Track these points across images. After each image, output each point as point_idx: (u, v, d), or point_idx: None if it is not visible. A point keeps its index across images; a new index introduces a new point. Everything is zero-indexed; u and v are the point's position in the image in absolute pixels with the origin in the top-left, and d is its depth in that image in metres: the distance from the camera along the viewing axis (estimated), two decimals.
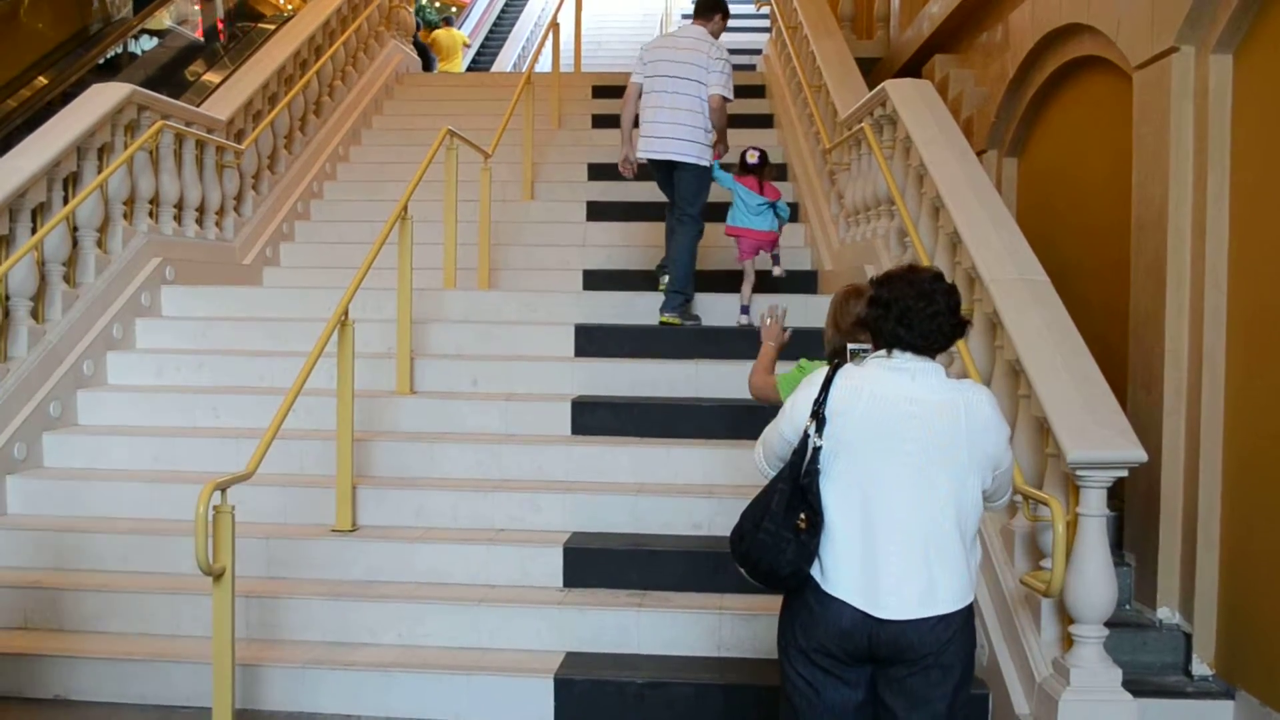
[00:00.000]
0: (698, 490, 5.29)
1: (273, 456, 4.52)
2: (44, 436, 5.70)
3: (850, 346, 3.12)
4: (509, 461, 5.52)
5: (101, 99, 6.45)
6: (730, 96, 6.66)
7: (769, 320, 4.09)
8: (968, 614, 2.94)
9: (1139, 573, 4.72)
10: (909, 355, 2.95)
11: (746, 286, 6.70)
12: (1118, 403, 4.07)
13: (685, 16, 19.07)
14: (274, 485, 5.21)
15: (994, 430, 2.96)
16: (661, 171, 6.75)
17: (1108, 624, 3.88)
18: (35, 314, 5.86)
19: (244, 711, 4.29)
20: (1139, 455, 3.84)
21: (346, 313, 5.06)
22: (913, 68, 8.47)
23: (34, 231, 5.85)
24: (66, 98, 7.08)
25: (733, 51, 6.91)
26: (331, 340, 5.00)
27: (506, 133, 8.15)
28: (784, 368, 3.97)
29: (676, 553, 4.93)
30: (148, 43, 9.30)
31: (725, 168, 6.78)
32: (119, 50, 8.85)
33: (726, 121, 6.75)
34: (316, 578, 4.94)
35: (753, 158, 6.73)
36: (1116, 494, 4.21)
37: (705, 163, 6.59)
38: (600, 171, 8.88)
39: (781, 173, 8.60)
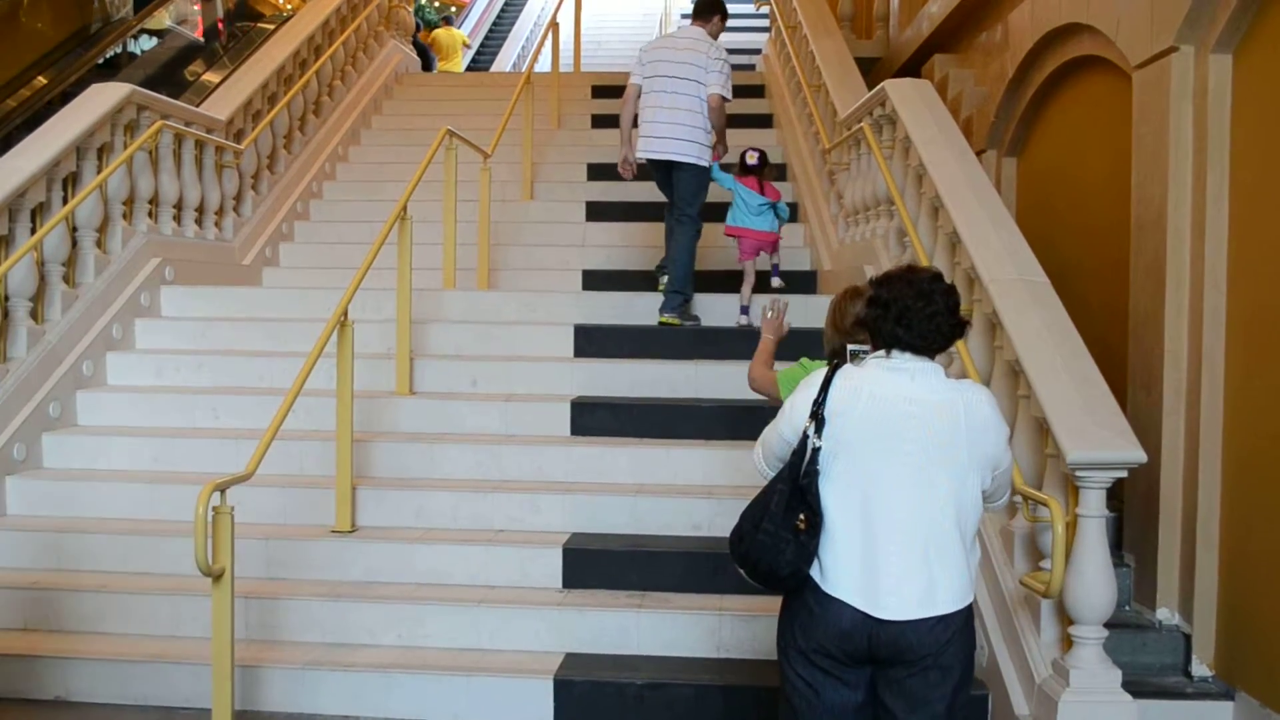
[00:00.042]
0: (697, 491, 5.29)
1: (272, 457, 4.52)
2: (43, 437, 5.69)
3: (850, 347, 3.12)
4: (508, 462, 5.52)
5: (101, 99, 6.45)
6: (729, 96, 6.66)
7: (770, 313, 4.12)
8: (967, 615, 2.94)
9: (1138, 574, 4.72)
10: (908, 355, 2.95)
11: (746, 287, 6.69)
12: (1117, 403, 4.06)
13: (685, 16, 19.08)
14: (273, 486, 5.21)
15: (993, 430, 2.96)
16: (660, 172, 6.75)
17: (1107, 625, 3.88)
18: (35, 314, 5.86)
19: (244, 713, 4.29)
20: (1138, 456, 3.84)
21: (346, 313, 5.06)
22: (912, 67, 8.47)
23: (33, 231, 5.85)
24: (66, 97, 7.08)
25: (732, 51, 6.91)
26: (331, 341, 5.00)
27: (506, 133, 8.15)
28: (786, 365, 3.98)
29: (676, 554, 4.93)
30: (147, 42, 9.29)
31: (725, 168, 6.78)
32: (118, 50, 8.85)
33: (725, 121, 6.75)
34: (316, 578, 4.94)
35: (752, 159, 6.73)
36: (1116, 495, 4.21)
37: (704, 163, 6.59)
38: (600, 171, 8.87)
39: (781, 173, 8.60)
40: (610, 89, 9.76)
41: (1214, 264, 4.46)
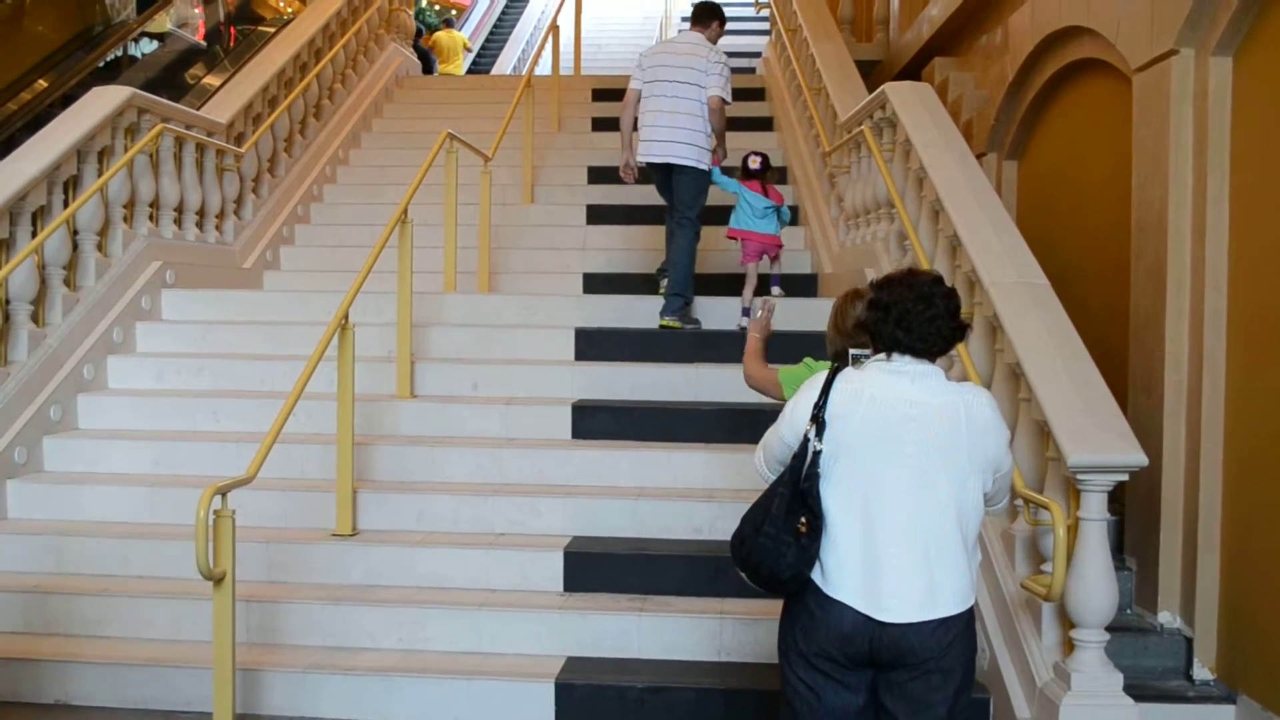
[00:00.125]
0: (698, 494, 5.29)
1: (273, 461, 4.53)
2: (44, 440, 5.69)
3: (851, 351, 3.11)
4: (509, 466, 5.52)
5: (102, 102, 6.45)
6: (729, 99, 6.67)
7: (759, 311, 4.17)
8: (968, 618, 2.94)
9: (1140, 577, 4.71)
10: (908, 358, 2.95)
11: (748, 290, 6.69)
12: (1118, 406, 4.06)
13: (685, 19, 19.08)
14: (274, 489, 5.21)
15: (994, 432, 2.96)
16: (661, 175, 6.76)
17: (1109, 628, 3.87)
18: (35, 318, 5.86)
19: (244, 716, 4.28)
20: (1139, 459, 3.83)
21: (347, 316, 5.06)
22: (912, 70, 8.47)
23: (34, 235, 5.85)
24: (67, 100, 7.08)
25: (732, 54, 6.92)
26: (332, 344, 4.99)
27: (506, 136, 8.15)
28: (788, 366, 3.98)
29: (677, 557, 4.92)
30: (148, 45, 9.30)
31: (725, 173, 6.78)
32: (119, 53, 8.85)
33: (725, 124, 6.76)
34: (317, 582, 4.94)
35: (755, 163, 6.74)
36: (1117, 498, 4.20)
37: (704, 166, 6.60)
38: (600, 174, 8.88)
39: (781, 176, 8.61)
40: (610, 92, 9.77)
41: (1214, 266, 4.46)
